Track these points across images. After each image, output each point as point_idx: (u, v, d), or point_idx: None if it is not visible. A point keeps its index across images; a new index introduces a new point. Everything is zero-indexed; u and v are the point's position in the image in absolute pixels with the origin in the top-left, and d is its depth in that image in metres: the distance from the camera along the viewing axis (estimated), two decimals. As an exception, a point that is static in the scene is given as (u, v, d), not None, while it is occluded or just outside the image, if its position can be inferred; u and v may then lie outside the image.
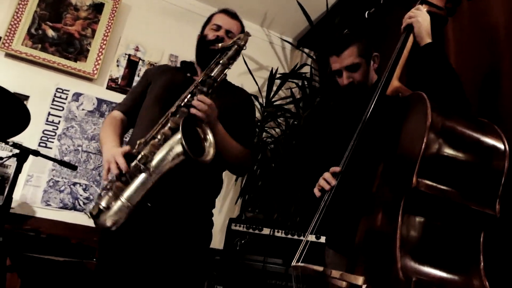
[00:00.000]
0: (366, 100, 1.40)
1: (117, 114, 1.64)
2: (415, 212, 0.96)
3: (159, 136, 1.29)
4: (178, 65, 1.83)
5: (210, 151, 1.27)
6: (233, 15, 1.72)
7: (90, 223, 2.79)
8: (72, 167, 2.05)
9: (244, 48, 1.48)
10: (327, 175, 1.34)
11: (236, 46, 1.46)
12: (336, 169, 1.34)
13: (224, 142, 1.45)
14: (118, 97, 3.06)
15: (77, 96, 3.01)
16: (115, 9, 3.17)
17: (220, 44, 1.52)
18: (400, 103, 1.23)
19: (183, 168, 1.27)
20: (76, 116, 2.99)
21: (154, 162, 1.24)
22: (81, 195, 2.91)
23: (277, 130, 3.34)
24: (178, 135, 1.22)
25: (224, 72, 1.44)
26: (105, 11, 3.14)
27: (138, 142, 1.32)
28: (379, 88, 1.34)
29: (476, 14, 1.83)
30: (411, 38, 1.40)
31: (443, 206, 0.97)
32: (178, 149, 1.22)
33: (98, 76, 3.04)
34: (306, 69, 3.45)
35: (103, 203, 1.24)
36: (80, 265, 2.44)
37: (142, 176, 1.24)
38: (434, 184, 0.98)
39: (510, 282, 1.14)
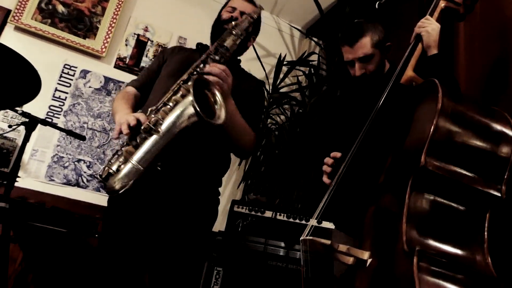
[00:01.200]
0: (378, 89, 1.41)
1: (130, 89, 1.66)
2: (422, 190, 0.99)
3: (170, 103, 1.30)
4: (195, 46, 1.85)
5: (222, 114, 1.26)
6: None
7: (92, 200, 2.87)
8: (80, 137, 2.06)
9: (255, 18, 1.52)
10: (326, 159, 1.38)
11: (248, 18, 1.50)
12: (337, 154, 1.37)
13: (234, 118, 1.46)
14: (125, 76, 3.07)
15: (84, 73, 3.02)
16: (126, -13, 3.16)
17: (233, 22, 1.54)
18: (414, 92, 1.25)
19: (194, 132, 1.27)
20: (83, 93, 3.00)
21: (165, 125, 1.24)
22: (84, 172, 2.93)
23: (282, 117, 3.35)
24: (190, 97, 1.22)
25: (236, 43, 1.47)
26: (116, -11, 3.14)
27: (149, 109, 1.33)
28: (394, 77, 1.36)
29: (488, 9, 1.83)
30: (419, 47, 1.42)
31: (450, 185, 0.99)
32: (190, 110, 1.22)
33: (107, 54, 3.05)
34: (314, 58, 3.45)
35: (113, 167, 1.25)
36: (82, 240, 2.48)
37: (153, 138, 1.24)
38: (442, 164, 1.00)
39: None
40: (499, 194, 0.99)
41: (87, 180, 2.93)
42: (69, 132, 2.23)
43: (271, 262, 2.27)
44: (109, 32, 3.06)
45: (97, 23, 3.06)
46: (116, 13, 3.11)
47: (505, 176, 1.01)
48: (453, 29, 1.98)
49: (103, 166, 1.30)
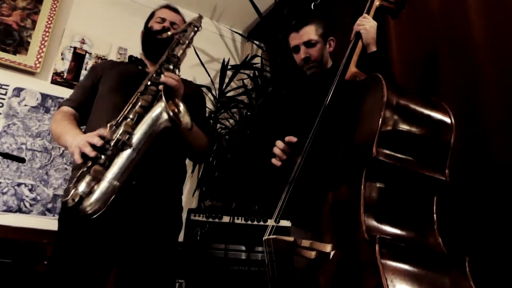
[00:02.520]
0: (324, 86, 1.47)
1: (67, 109, 1.57)
2: (376, 179, 1.04)
3: (131, 116, 1.28)
4: (127, 59, 1.83)
5: (188, 120, 1.30)
6: (175, 10, 1.80)
7: (37, 225, 2.70)
8: (19, 159, 1.93)
9: (200, 29, 1.56)
10: (278, 142, 1.44)
11: (192, 26, 1.53)
12: (293, 139, 1.42)
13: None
14: (64, 92, 2.92)
15: (18, 91, 2.83)
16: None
17: (169, 32, 1.56)
18: (358, 86, 1.32)
19: (157, 151, 1.28)
20: (18, 113, 2.81)
21: (137, 135, 1.22)
22: (27, 196, 2.75)
23: (231, 121, 3.36)
24: (162, 103, 1.23)
25: (185, 52, 1.50)
26: (46, 2, 2.97)
27: (109, 125, 1.28)
28: (339, 74, 1.42)
29: (415, 6, 1.97)
30: (359, 44, 1.50)
31: (401, 172, 1.06)
32: (162, 118, 1.23)
33: (41, 69, 2.88)
34: (257, 60, 3.50)
35: (81, 189, 1.18)
36: (30, 268, 2.33)
37: (126, 152, 1.21)
38: (392, 153, 1.06)
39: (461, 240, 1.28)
40: (444, 178, 1.07)
41: (30, 205, 2.74)
42: (5, 155, 2.08)
43: (233, 267, 2.27)
44: (42, 46, 2.90)
45: (28, 37, 2.88)
46: (48, 25, 2.95)
47: (448, 161, 1.09)
48: (385, 25, 2.10)
49: (70, 191, 1.19)
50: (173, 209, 1.54)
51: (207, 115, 1.76)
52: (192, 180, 3.21)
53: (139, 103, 1.30)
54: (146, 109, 1.27)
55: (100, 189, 1.18)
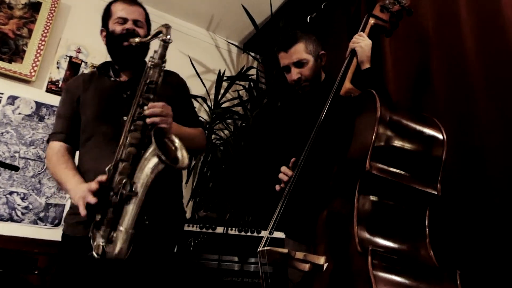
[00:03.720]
0: (319, 101, 1.50)
1: (59, 146, 1.55)
2: (369, 193, 1.06)
3: (124, 157, 1.29)
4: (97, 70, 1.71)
5: (184, 156, 1.27)
6: (131, 1, 1.63)
7: (29, 234, 2.67)
8: (13, 167, 1.91)
9: (170, 41, 1.39)
10: (283, 168, 1.42)
11: (162, 43, 1.40)
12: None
13: (181, 135, 1.44)
14: (59, 100, 2.92)
15: (12, 99, 2.83)
16: (53, 9, 3.03)
17: (137, 39, 1.47)
18: (353, 102, 1.34)
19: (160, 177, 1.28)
20: (11, 121, 2.80)
21: (139, 184, 1.24)
22: (19, 205, 2.72)
23: (226, 132, 3.37)
24: (152, 150, 1.22)
25: (161, 74, 1.40)
26: (43, 11, 2.99)
27: (106, 169, 1.29)
28: (334, 90, 1.44)
29: (409, 22, 2.01)
30: (354, 61, 1.53)
31: (393, 186, 1.08)
32: (157, 163, 1.22)
33: (37, 78, 2.88)
34: (252, 72, 3.53)
35: (101, 240, 1.22)
36: (20, 278, 2.30)
37: (133, 201, 1.23)
38: (385, 168, 1.08)
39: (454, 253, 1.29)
40: (435, 192, 1.09)
41: (22, 213, 2.72)
42: (-1, 164, 2.07)
43: (226, 278, 2.26)
44: (37, 55, 2.90)
45: (24, 46, 2.89)
46: (44, 34, 2.96)
47: (439, 175, 1.11)
48: (380, 42, 2.14)
49: (93, 244, 1.24)
50: (177, 215, 1.59)
51: (202, 126, 1.74)
52: (186, 191, 3.20)
53: (130, 142, 1.30)
54: (137, 146, 1.28)
55: (120, 238, 1.22)
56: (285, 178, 1.38)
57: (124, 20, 1.56)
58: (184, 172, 2.99)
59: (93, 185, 1.24)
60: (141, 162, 1.25)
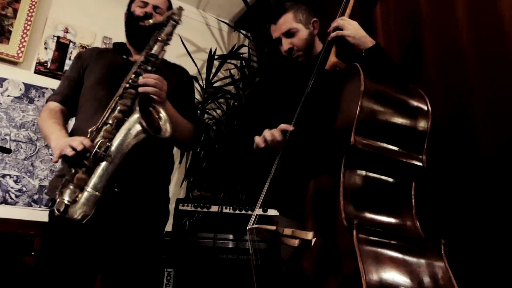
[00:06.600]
0: (308, 74, 1.47)
1: (54, 105, 1.57)
2: (355, 167, 1.06)
3: (110, 121, 1.28)
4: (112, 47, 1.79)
5: (167, 128, 1.28)
6: None
7: (24, 216, 2.68)
8: (5, 150, 1.90)
9: (180, 23, 1.49)
10: (273, 130, 1.38)
11: (172, 21, 1.47)
12: (289, 127, 1.34)
13: (174, 119, 1.46)
14: (48, 82, 2.89)
15: (0, 81, 2.79)
16: (38, -13, 2.95)
17: (151, 20, 1.52)
18: (338, 76, 1.33)
19: (140, 149, 1.27)
20: (0, 103, 2.77)
21: (114, 147, 1.23)
22: (12, 188, 2.72)
23: (218, 111, 3.36)
24: (136, 115, 1.22)
25: (164, 49, 1.45)
26: (27, -11, 2.92)
27: (89, 130, 1.29)
28: (318, 64, 1.42)
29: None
30: (333, 49, 1.42)
31: (379, 160, 1.08)
32: (137, 128, 1.22)
33: (24, 59, 2.84)
34: (244, 50, 3.48)
35: (66, 198, 1.21)
36: (17, 260, 2.32)
37: (104, 163, 1.22)
38: (370, 141, 1.08)
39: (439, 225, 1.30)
40: (420, 164, 1.09)
41: (16, 196, 2.72)
42: (-11, 146, 2.05)
43: (222, 255, 2.29)
44: (24, 35, 2.84)
45: (9, 26, 2.83)
46: (30, 14, 2.89)
47: (424, 147, 1.11)
48: (371, 16, 2.11)
49: (56, 199, 1.23)
50: (159, 200, 1.55)
51: (198, 125, 1.74)
52: (180, 171, 3.21)
53: (118, 108, 1.30)
54: (125, 113, 1.27)
55: (83, 198, 1.21)
56: (269, 137, 1.35)
57: (145, 4, 1.63)
58: (178, 153, 2.99)
59: (76, 142, 1.24)
60: (123, 127, 1.24)
